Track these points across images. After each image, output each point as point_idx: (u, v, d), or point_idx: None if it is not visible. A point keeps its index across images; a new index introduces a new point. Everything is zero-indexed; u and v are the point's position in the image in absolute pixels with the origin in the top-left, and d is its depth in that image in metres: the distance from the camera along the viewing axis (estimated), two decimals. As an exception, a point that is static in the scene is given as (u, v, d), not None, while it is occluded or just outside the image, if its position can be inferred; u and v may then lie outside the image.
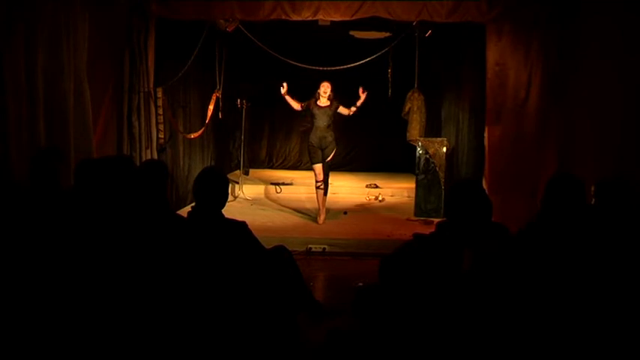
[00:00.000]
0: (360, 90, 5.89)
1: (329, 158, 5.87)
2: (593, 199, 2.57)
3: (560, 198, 2.20)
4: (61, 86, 3.72)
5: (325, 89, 5.83)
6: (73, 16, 3.90)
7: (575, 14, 4.40)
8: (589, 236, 2.13)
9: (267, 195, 7.75)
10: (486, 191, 2.36)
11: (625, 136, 3.76)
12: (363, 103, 5.89)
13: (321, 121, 5.82)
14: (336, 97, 5.92)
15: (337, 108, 5.89)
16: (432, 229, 2.30)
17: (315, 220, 6.01)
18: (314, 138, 5.87)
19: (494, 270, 1.99)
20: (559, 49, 4.61)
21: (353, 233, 5.53)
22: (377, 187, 8.09)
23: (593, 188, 2.59)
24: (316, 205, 6.07)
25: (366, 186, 8.14)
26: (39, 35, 3.49)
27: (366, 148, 10.36)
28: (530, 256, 2.04)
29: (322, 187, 5.89)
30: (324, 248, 4.89)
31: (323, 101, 5.86)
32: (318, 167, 5.87)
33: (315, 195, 6.08)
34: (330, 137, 5.84)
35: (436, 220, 5.74)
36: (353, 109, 5.88)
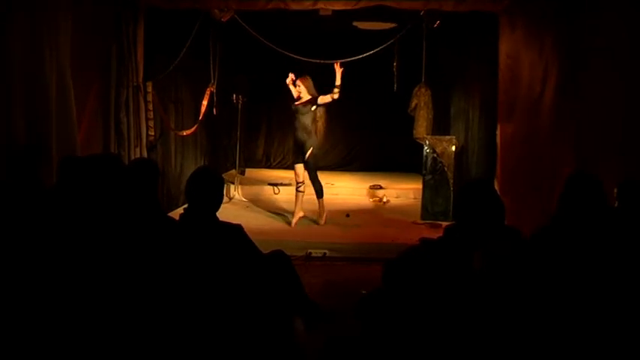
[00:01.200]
0: (336, 65, 5.80)
1: (307, 155, 5.88)
2: (616, 202, 2.55)
3: (578, 199, 2.18)
4: (43, 82, 3.70)
5: (299, 87, 5.83)
6: (54, 7, 3.88)
7: (581, 9, 4.41)
8: (610, 241, 2.12)
9: (264, 196, 7.74)
10: (498, 192, 2.34)
11: (627, 134, 3.79)
12: (342, 81, 5.79)
13: (300, 121, 5.84)
14: (315, 89, 5.89)
15: (317, 99, 5.82)
16: (440, 233, 2.30)
17: (315, 222, 6.03)
18: (295, 138, 5.98)
19: (506, 276, 1.98)
20: (568, 44, 4.61)
21: (355, 237, 5.53)
22: (381, 188, 8.08)
23: (615, 190, 2.57)
24: (316, 207, 6.08)
25: (370, 187, 8.14)
26: (14, 29, 3.47)
27: (370, 147, 10.35)
28: (545, 262, 2.03)
29: (302, 189, 5.97)
30: (325, 253, 4.88)
31: (304, 97, 5.85)
32: (298, 167, 5.96)
33: (315, 198, 6.04)
34: (308, 136, 5.86)
35: (444, 223, 5.73)
36: (335, 90, 5.78)
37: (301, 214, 6.02)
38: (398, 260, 2.33)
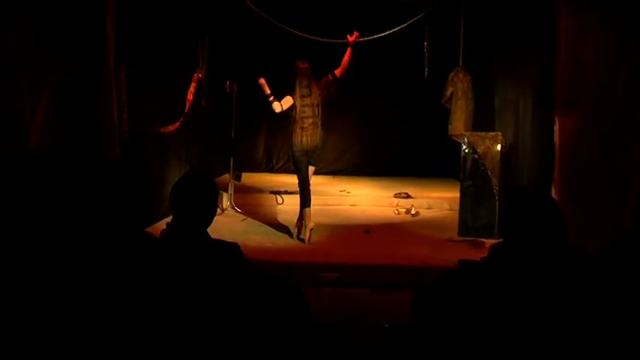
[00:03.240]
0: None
1: None
2: None
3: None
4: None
5: None
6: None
7: None
8: None
9: (265, 207, 7.76)
10: (557, 202, 2.33)
11: None
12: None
13: None
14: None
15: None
16: (484, 254, 2.28)
17: (329, 238, 6.09)
18: None
19: (569, 309, 1.96)
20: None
21: (377, 258, 5.53)
22: (408, 196, 8.10)
23: None
24: (327, 220, 6.21)
25: (395, 195, 8.16)
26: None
27: (394, 146, 10.34)
28: (622, 291, 2.00)
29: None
30: (341, 277, 4.88)
31: None
32: None
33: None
34: None
35: (488, 241, 5.71)
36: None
37: (312, 224, 6.14)
38: (431, 287, 2.32)
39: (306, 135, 6.02)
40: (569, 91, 5.08)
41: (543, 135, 5.89)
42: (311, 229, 6.06)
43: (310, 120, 6.02)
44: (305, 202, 6.12)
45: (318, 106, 6.05)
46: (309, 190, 6.17)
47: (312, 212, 6.15)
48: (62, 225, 2.28)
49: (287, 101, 6.03)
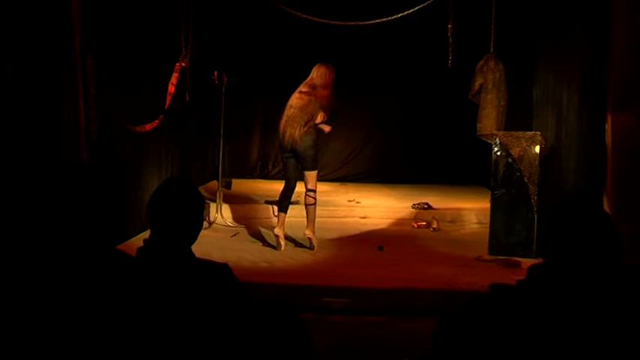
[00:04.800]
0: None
1: None
2: None
3: None
4: None
5: None
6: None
7: None
8: None
9: (259, 220, 7.78)
10: (609, 214, 2.31)
11: None
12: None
13: None
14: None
15: None
16: (520, 276, 2.27)
17: (336, 256, 6.11)
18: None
19: (627, 344, 1.94)
20: None
21: (393, 280, 5.52)
22: (429, 207, 8.11)
23: None
24: (333, 235, 6.30)
25: (413, 206, 8.20)
26: None
27: (411, 149, 10.36)
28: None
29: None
30: (350, 303, 4.88)
31: None
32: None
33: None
34: None
35: (525, 260, 5.70)
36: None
37: (279, 231, 6.48)
38: (457, 315, 2.31)
39: (288, 128, 6.30)
40: (626, 82, 5.07)
41: (592, 135, 5.88)
42: (277, 236, 6.40)
43: (298, 115, 6.26)
44: (281, 205, 6.49)
45: (312, 106, 6.30)
46: (289, 196, 6.51)
47: (315, 225, 6.39)
48: (11, 245, 2.27)
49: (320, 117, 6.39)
